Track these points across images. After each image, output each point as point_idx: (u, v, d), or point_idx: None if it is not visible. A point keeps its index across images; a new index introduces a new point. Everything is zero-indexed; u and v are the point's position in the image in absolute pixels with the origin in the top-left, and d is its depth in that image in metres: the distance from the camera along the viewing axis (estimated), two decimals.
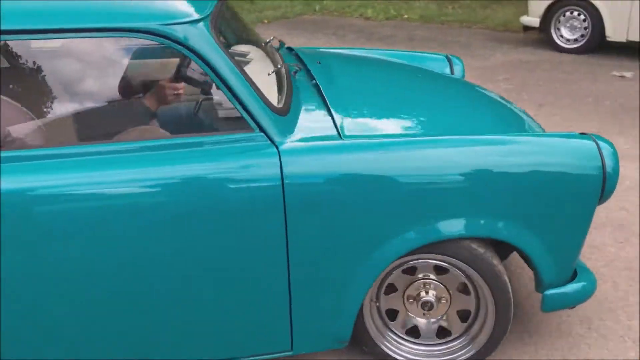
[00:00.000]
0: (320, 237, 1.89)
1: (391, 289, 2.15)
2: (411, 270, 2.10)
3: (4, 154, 1.70)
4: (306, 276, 1.93)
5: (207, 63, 1.78)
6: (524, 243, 2.04)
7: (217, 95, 1.91)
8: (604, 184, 2.04)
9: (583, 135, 2.10)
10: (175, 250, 1.81)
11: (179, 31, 1.75)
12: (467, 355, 2.17)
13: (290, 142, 1.86)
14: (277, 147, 1.83)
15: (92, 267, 1.77)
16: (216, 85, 1.82)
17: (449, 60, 3.14)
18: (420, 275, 2.12)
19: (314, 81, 2.33)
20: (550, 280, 2.14)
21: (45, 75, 1.91)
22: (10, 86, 1.84)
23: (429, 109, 2.36)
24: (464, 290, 2.14)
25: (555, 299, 2.18)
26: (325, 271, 1.94)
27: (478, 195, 1.95)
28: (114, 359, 1.92)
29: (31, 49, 1.86)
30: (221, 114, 1.95)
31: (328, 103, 2.11)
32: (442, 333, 2.22)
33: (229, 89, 1.81)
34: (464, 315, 2.19)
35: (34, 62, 1.87)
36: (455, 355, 2.18)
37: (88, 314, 1.83)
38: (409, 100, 2.42)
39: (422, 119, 2.23)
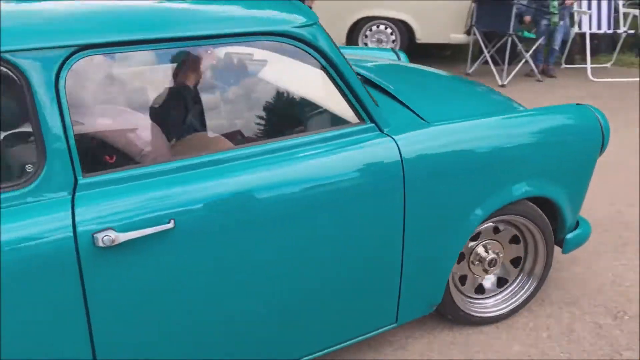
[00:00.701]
0: (428, 210, 2.11)
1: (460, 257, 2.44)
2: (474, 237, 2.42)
3: (146, 169, 1.65)
4: (415, 248, 2.13)
5: (330, 61, 1.91)
6: (557, 197, 2.47)
7: (323, 92, 2.03)
8: (603, 140, 2.56)
9: (580, 105, 2.61)
10: (319, 238, 1.90)
11: (309, 33, 1.86)
12: (533, 287, 2.56)
13: (396, 130, 2.05)
14: (389, 136, 2.02)
15: (264, 261, 1.80)
16: (335, 82, 1.94)
17: (396, 54, 3.54)
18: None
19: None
20: (569, 225, 2.61)
21: (170, 84, 1.85)
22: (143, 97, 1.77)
23: (458, 97, 2.70)
24: (514, 240, 2.52)
25: (572, 241, 2.66)
26: (429, 241, 2.17)
27: (532, 161, 2.33)
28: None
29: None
30: (324, 110, 2.07)
31: (394, 95, 2.34)
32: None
33: (347, 85, 1.95)
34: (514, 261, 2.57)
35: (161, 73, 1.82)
36: (524, 290, 2.55)
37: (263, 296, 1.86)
38: (436, 90, 2.73)
39: (463, 105, 2.56)
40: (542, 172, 2.39)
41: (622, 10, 6.88)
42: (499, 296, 2.57)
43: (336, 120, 2.02)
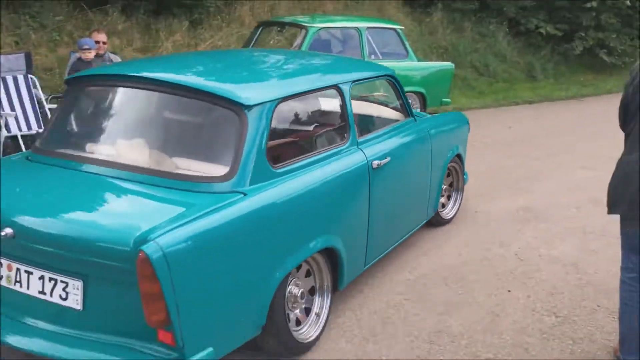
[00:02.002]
0: (435, 158, 4.39)
1: None
2: None
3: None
4: (433, 177, 4.38)
5: (401, 87, 4.12)
6: (462, 153, 4.99)
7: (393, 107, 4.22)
8: (469, 124, 5.22)
9: (459, 112, 5.24)
10: (414, 172, 4.07)
11: (394, 75, 4.05)
12: (460, 198, 5.02)
13: (420, 120, 4.32)
14: (421, 124, 4.28)
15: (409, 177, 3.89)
16: (400, 98, 4.15)
17: None
18: None
19: None
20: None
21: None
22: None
23: None
24: (448, 175, 4.94)
25: (465, 178, 5.22)
26: (435, 173, 4.43)
27: (455, 135, 4.83)
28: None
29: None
30: (391, 114, 4.25)
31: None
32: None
33: (406, 99, 4.18)
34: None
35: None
36: (458, 198, 5.00)
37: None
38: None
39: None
40: (457, 141, 4.89)
41: (47, 105, 6.42)
42: (450, 204, 4.97)
43: (397, 117, 4.21)
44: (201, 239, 2.36)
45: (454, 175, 4.99)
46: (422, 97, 8.40)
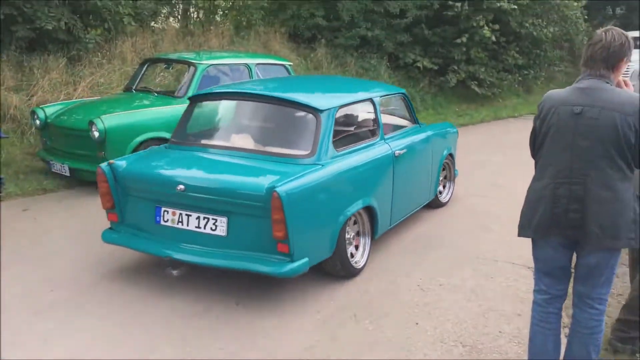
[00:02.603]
0: (434, 154, 5.96)
1: None
2: None
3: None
4: (434, 167, 5.94)
5: (410, 102, 5.71)
6: (453, 153, 6.57)
7: (405, 116, 5.80)
8: (457, 132, 6.83)
9: (448, 122, 6.85)
10: (421, 163, 5.64)
11: (405, 93, 5.64)
12: (453, 186, 6.58)
13: (423, 126, 5.90)
14: (425, 128, 5.86)
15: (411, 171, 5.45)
16: (409, 110, 5.73)
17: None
18: None
19: None
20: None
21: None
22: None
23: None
24: (443, 170, 6.52)
25: (456, 173, 6.79)
26: (435, 165, 6.00)
27: (447, 138, 6.41)
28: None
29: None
30: (402, 122, 5.82)
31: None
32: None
33: (413, 111, 5.77)
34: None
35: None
36: (452, 186, 6.56)
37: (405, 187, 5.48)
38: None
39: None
40: (450, 143, 6.48)
41: None
42: (446, 191, 6.54)
43: (407, 123, 5.79)
44: (302, 189, 3.88)
45: (448, 169, 6.56)
46: None
